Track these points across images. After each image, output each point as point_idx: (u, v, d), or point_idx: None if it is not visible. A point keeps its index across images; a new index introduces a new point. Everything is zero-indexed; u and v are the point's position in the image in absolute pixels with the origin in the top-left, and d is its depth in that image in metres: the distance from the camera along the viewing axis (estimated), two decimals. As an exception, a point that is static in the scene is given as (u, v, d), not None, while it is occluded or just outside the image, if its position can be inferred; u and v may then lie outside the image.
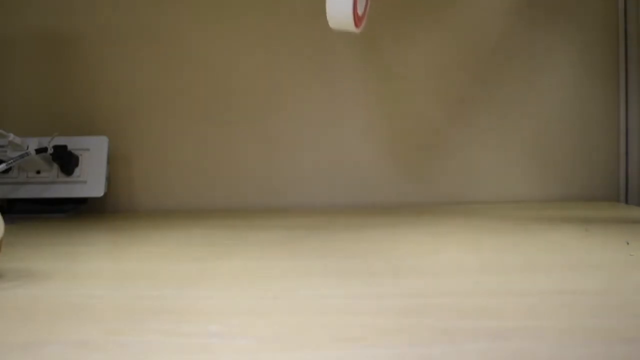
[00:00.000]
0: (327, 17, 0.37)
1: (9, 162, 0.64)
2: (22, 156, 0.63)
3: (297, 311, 0.25)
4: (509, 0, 0.76)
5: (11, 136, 0.63)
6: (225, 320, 0.23)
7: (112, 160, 0.76)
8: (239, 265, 0.36)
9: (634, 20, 0.73)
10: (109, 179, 0.75)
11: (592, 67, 0.75)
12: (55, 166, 0.70)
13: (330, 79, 0.77)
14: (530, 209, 0.65)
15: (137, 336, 0.22)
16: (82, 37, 0.79)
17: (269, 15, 0.78)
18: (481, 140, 0.76)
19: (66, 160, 0.69)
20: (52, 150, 0.67)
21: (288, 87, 0.78)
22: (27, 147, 0.66)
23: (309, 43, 0.77)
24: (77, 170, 0.70)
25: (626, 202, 0.75)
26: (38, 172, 0.70)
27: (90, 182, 0.71)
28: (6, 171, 0.69)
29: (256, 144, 0.78)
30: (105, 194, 0.74)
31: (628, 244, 0.39)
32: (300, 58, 0.77)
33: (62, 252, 0.44)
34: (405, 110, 0.77)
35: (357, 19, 0.37)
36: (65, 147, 0.69)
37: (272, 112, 0.78)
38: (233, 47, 0.78)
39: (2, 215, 0.33)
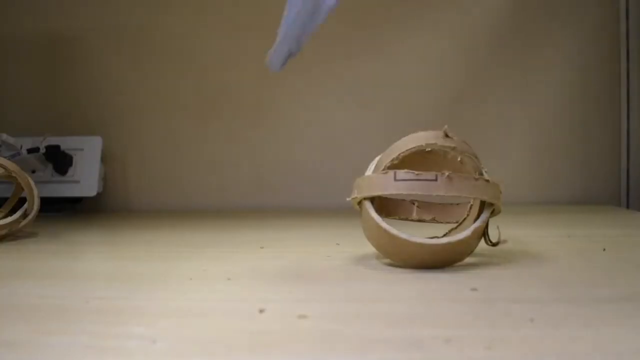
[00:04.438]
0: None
1: (2, 161, 0.65)
2: (13, 156, 0.64)
3: (234, 314, 0.24)
4: (508, 0, 0.75)
5: (4, 136, 0.64)
6: (154, 322, 0.23)
7: (108, 160, 0.77)
8: (205, 266, 0.35)
9: (635, 20, 0.71)
10: (105, 179, 0.75)
11: (592, 68, 0.73)
12: (50, 166, 0.71)
13: (325, 79, 0.77)
14: (528, 212, 0.64)
15: (63, 336, 0.22)
16: (77, 38, 0.80)
17: (264, 16, 0.77)
18: (479, 143, 0.75)
19: (60, 160, 0.70)
20: (45, 150, 0.68)
21: (282, 87, 0.77)
22: (21, 147, 0.67)
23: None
24: (70, 170, 0.71)
25: (627, 207, 0.73)
26: (33, 171, 0.71)
27: (83, 181, 0.71)
28: (2, 170, 0.69)
29: (250, 144, 0.78)
30: (101, 194, 0.74)
31: (604, 250, 0.37)
32: (296, 58, 0.76)
33: (31, 250, 0.44)
34: (401, 110, 0.76)
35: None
36: (58, 147, 0.69)
37: (267, 113, 0.78)
38: (228, 47, 0.78)
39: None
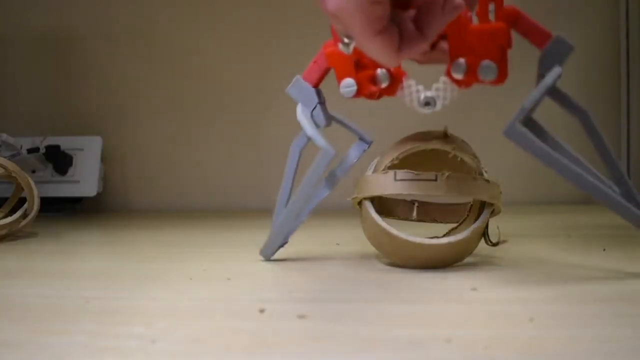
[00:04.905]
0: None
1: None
2: (13, 156, 0.64)
3: (234, 314, 0.24)
4: None
5: (4, 136, 0.64)
6: (154, 322, 0.23)
7: (108, 160, 0.77)
8: (205, 266, 0.35)
9: (636, 19, 0.71)
10: (105, 179, 0.75)
11: (592, 68, 0.73)
12: (50, 166, 0.71)
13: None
14: (528, 212, 0.64)
15: (63, 336, 0.22)
16: (77, 39, 0.80)
17: (262, 16, 0.77)
18: (478, 141, 0.75)
19: (59, 160, 0.70)
20: (45, 150, 0.68)
21: (282, 87, 0.77)
22: (21, 147, 0.67)
23: (301, 43, 0.76)
24: (70, 170, 0.71)
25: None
26: (33, 171, 0.71)
27: (83, 181, 0.71)
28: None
29: (249, 144, 0.78)
30: (101, 194, 0.74)
31: (604, 250, 0.37)
32: (293, 57, 0.76)
33: (31, 250, 0.44)
34: (401, 110, 0.76)
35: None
36: (58, 147, 0.69)
37: (265, 112, 0.77)
38: (226, 48, 0.78)
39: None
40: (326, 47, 0.35)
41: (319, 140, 0.31)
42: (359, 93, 0.34)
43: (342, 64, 0.33)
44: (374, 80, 0.33)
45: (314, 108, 0.35)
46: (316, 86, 0.36)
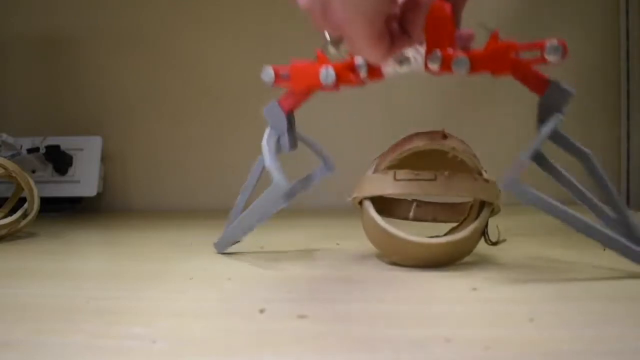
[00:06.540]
0: None
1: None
2: (13, 155, 0.64)
3: (234, 314, 0.24)
4: None
5: (4, 136, 0.64)
6: (154, 322, 0.23)
7: (107, 161, 0.77)
8: (202, 267, 0.35)
9: (635, 17, 0.71)
10: (105, 179, 0.75)
11: (592, 68, 0.73)
12: (50, 166, 0.71)
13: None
14: (528, 212, 0.63)
15: (62, 337, 0.22)
16: (77, 40, 0.80)
17: (260, 17, 0.77)
18: (478, 142, 0.75)
19: (59, 160, 0.70)
20: (45, 150, 0.68)
21: (279, 89, 0.77)
22: (21, 147, 0.67)
23: (300, 44, 0.76)
24: (70, 170, 0.71)
25: (627, 206, 0.73)
26: (33, 171, 0.71)
27: (83, 181, 0.71)
28: (2, 170, 0.69)
29: (248, 144, 0.78)
30: (101, 194, 0.74)
31: (604, 250, 0.37)
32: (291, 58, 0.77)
33: (31, 250, 0.44)
34: (401, 110, 0.76)
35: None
36: (58, 147, 0.69)
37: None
38: (224, 48, 0.78)
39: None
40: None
41: (275, 173, 0.33)
42: (340, 81, 0.35)
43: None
44: (352, 68, 0.34)
45: (282, 134, 0.37)
46: (289, 113, 0.37)
